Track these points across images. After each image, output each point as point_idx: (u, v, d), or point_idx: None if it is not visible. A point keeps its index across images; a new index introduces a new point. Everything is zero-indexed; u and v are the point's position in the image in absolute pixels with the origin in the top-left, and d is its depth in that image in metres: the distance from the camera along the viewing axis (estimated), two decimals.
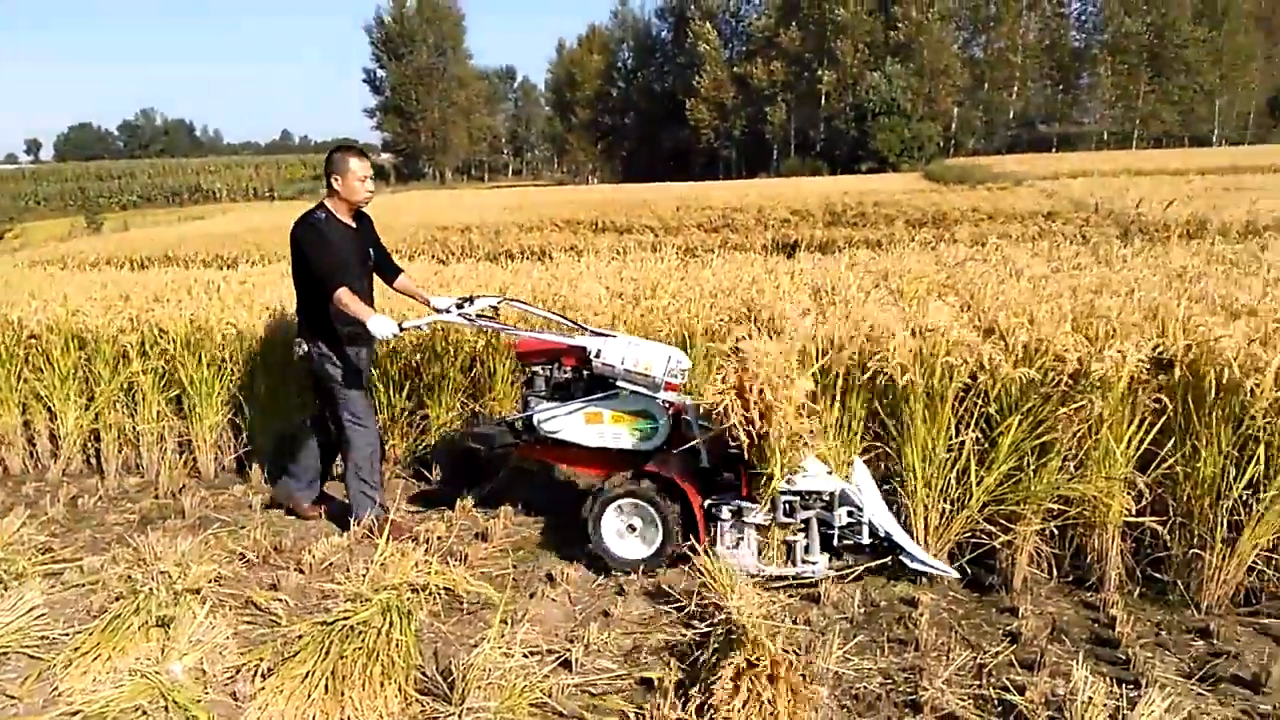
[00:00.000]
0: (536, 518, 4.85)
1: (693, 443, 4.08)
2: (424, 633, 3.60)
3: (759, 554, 3.97)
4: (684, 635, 3.48)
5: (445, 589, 3.88)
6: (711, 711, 2.90)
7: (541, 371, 4.41)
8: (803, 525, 3.96)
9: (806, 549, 3.97)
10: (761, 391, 3.64)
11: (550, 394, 4.39)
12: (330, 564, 4.33)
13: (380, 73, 78.17)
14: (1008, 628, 3.57)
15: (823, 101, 65.40)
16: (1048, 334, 4.01)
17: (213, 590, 3.94)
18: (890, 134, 54.73)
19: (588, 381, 4.34)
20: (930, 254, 8.22)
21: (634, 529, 4.15)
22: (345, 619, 3.34)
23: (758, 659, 3.02)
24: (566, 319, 4.76)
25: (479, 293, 4.87)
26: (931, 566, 3.86)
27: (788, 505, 3.93)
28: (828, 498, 3.91)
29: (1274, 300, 4.50)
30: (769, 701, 2.91)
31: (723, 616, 3.32)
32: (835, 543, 3.98)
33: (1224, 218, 11.99)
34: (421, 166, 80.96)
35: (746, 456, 3.79)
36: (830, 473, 3.95)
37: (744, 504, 3.96)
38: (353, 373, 4.56)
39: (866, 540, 3.94)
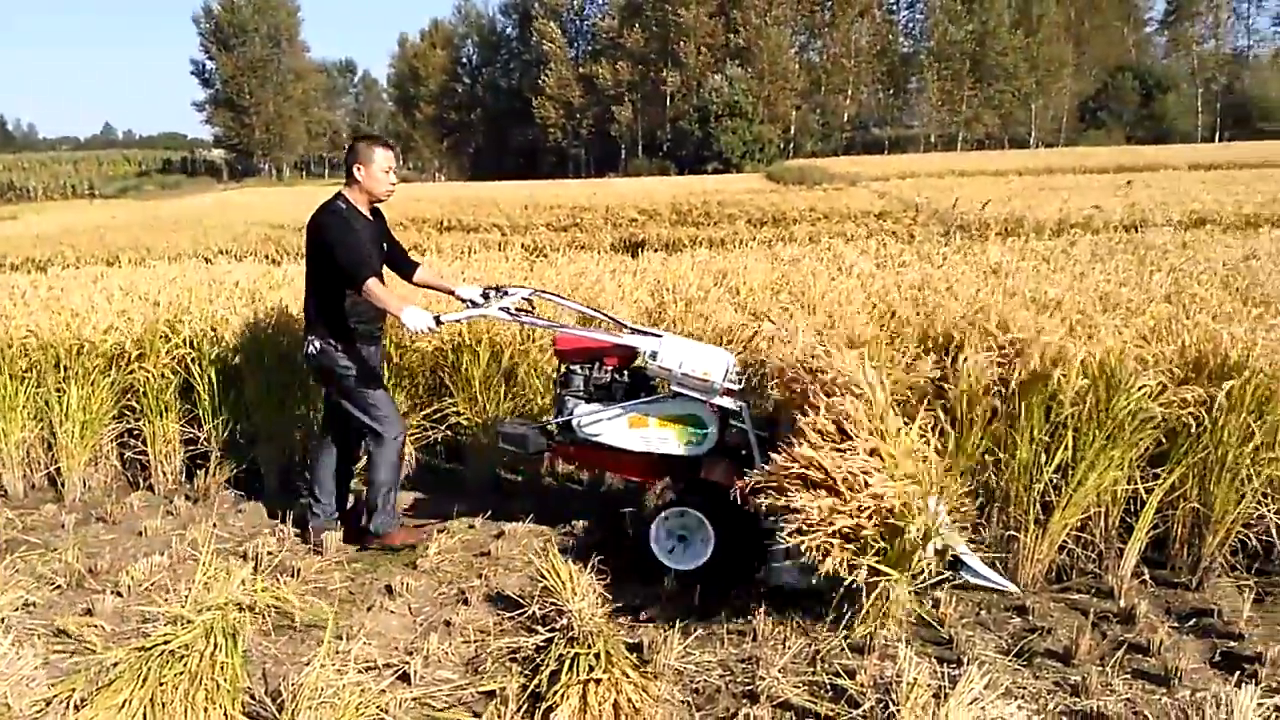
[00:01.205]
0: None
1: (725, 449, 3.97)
2: (252, 653, 3.43)
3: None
4: (527, 640, 3.44)
5: (276, 607, 3.70)
6: (555, 717, 2.87)
7: (580, 371, 4.21)
8: None
9: None
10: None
11: (589, 394, 4.19)
12: (151, 586, 4.07)
13: (210, 64, 74.52)
14: (840, 614, 3.67)
15: (668, 102, 66.31)
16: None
17: (19, 619, 3.64)
18: (733, 135, 56.02)
19: (629, 382, 4.20)
20: (768, 252, 8.44)
21: (684, 539, 4.00)
22: (165, 643, 3.14)
23: (599, 661, 3.01)
24: (606, 314, 4.56)
25: (504, 284, 4.64)
26: (994, 582, 3.61)
27: None
28: None
29: (1079, 294, 4.82)
30: (612, 704, 2.90)
31: (565, 621, 3.30)
32: None
33: (1038, 216, 12.81)
34: (257, 162, 77.66)
35: None
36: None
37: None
38: (370, 369, 4.37)
39: (929, 553, 3.71)
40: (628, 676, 3.02)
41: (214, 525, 4.71)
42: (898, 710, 2.74)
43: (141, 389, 5.22)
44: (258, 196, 34.34)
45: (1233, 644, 3.41)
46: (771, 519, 3.58)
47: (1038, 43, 65.28)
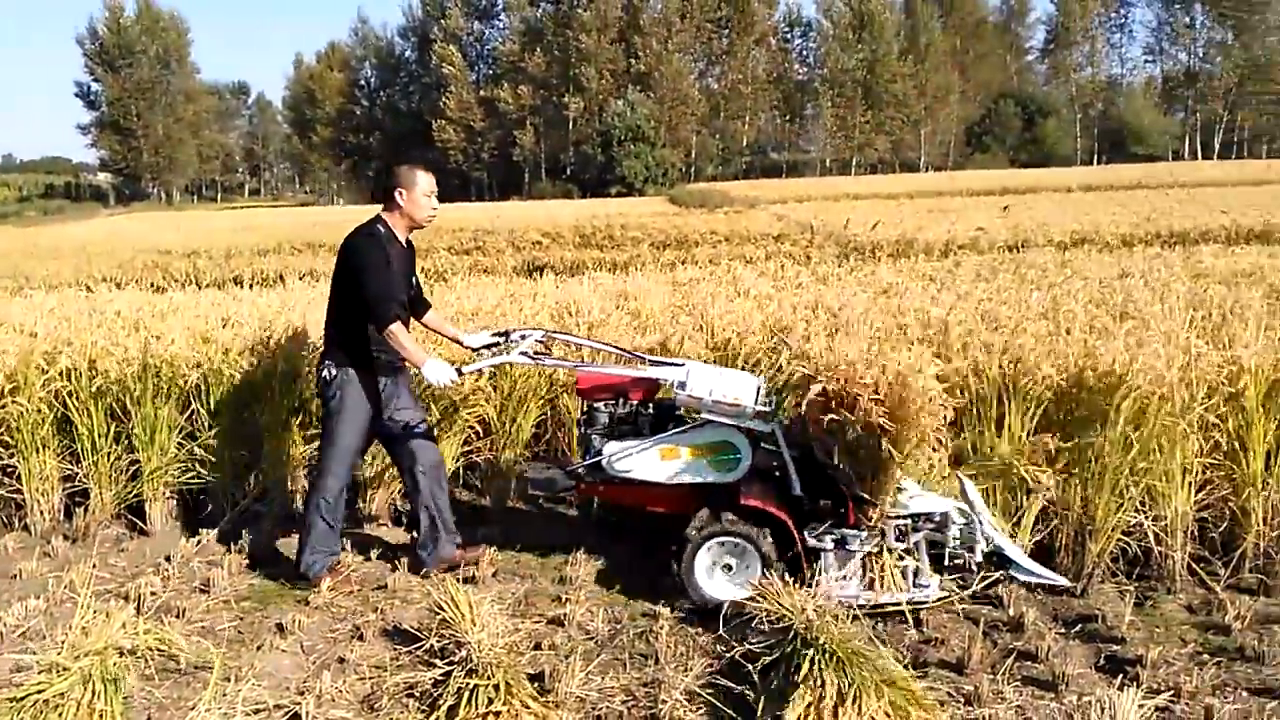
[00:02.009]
0: (266, 566, 4.54)
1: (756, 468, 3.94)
2: (135, 700, 3.27)
3: (867, 584, 3.78)
4: (425, 675, 3.36)
5: (160, 650, 3.54)
6: None
7: (605, 408, 4.14)
8: (910, 548, 3.80)
9: (917, 573, 3.79)
10: (890, 386, 3.43)
11: (615, 431, 4.11)
12: (25, 632, 3.85)
13: (95, 86, 71.82)
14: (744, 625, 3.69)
15: (571, 126, 66.48)
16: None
17: None
18: (635, 160, 56.44)
19: (654, 415, 4.13)
20: (668, 274, 8.51)
21: (729, 568, 3.87)
22: (39, 692, 2.98)
23: (499, 692, 2.96)
24: (621, 349, 4.47)
25: (513, 327, 4.55)
26: (1043, 577, 3.78)
27: (899, 530, 3.78)
28: (939, 518, 3.80)
29: (962, 312, 4.98)
30: None
31: (464, 653, 3.24)
32: (945, 563, 3.87)
33: (927, 237, 13.23)
34: (145, 186, 74.99)
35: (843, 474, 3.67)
36: (940, 493, 3.88)
37: (848, 532, 3.76)
38: (362, 411, 4.17)
39: (979, 558, 3.82)
40: (528, 707, 2.97)
41: (94, 566, 4.50)
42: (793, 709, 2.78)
43: (15, 424, 4.96)
44: (146, 222, 33.11)
45: (1115, 648, 3.54)
46: (818, 536, 3.73)
47: (925, 70, 67.70)
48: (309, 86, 77.12)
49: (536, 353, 4.20)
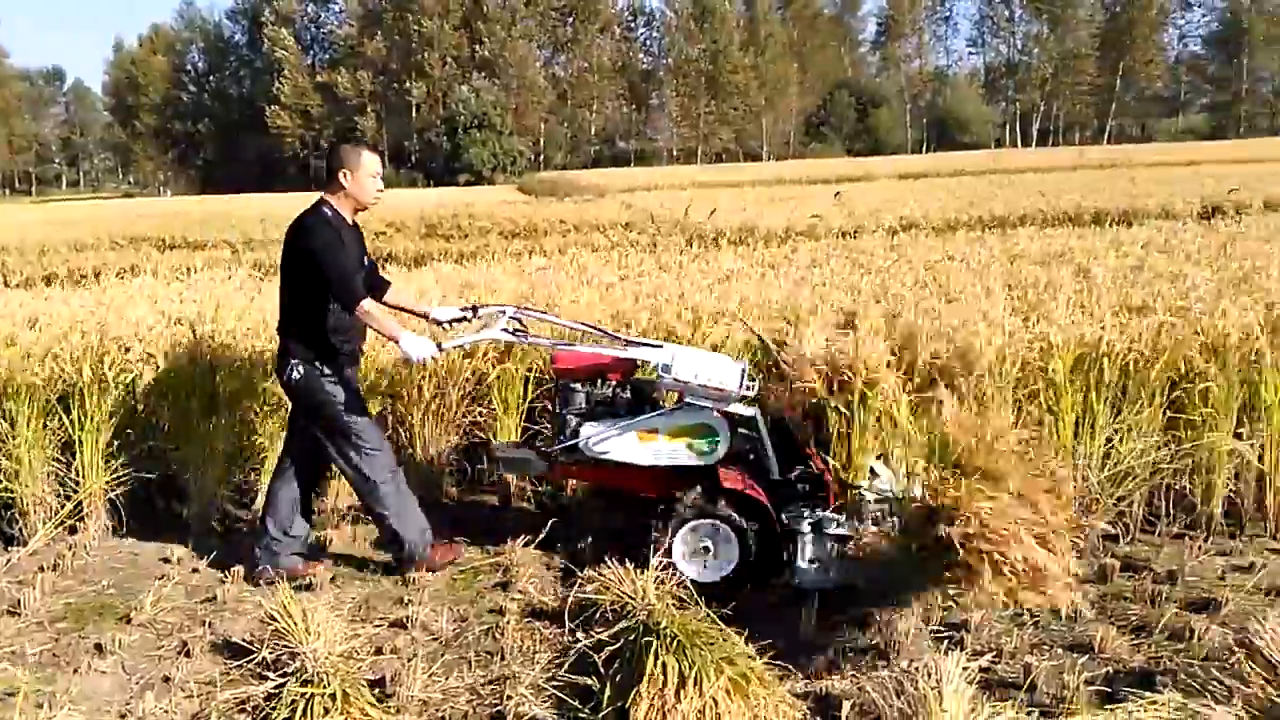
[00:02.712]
0: (88, 580, 4.25)
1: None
2: None
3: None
4: (257, 689, 3.21)
5: None
6: None
7: (581, 388, 4.07)
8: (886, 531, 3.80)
9: None
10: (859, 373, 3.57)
11: (591, 412, 4.04)
12: None
13: None
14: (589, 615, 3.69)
15: (414, 113, 65.05)
16: None
17: None
18: (483, 147, 55.72)
19: (631, 396, 4.09)
20: (517, 265, 8.43)
21: (708, 550, 3.88)
22: None
23: (336, 701, 2.86)
24: (598, 328, 4.36)
25: (479, 302, 4.42)
26: None
27: (878, 513, 3.80)
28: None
29: (797, 298, 5.13)
30: None
31: (298, 664, 3.12)
32: None
33: (769, 225, 13.56)
34: None
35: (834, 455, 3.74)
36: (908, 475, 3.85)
37: (825, 515, 3.79)
38: (355, 394, 4.04)
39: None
40: (367, 714, 2.89)
41: None
42: (633, 708, 2.79)
43: None
44: None
45: (943, 613, 3.71)
46: (796, 520, 3.77)
47: (765, 62, 69.48)
48: (131, 72, 72.70)
49: (515, 329, 4.12)
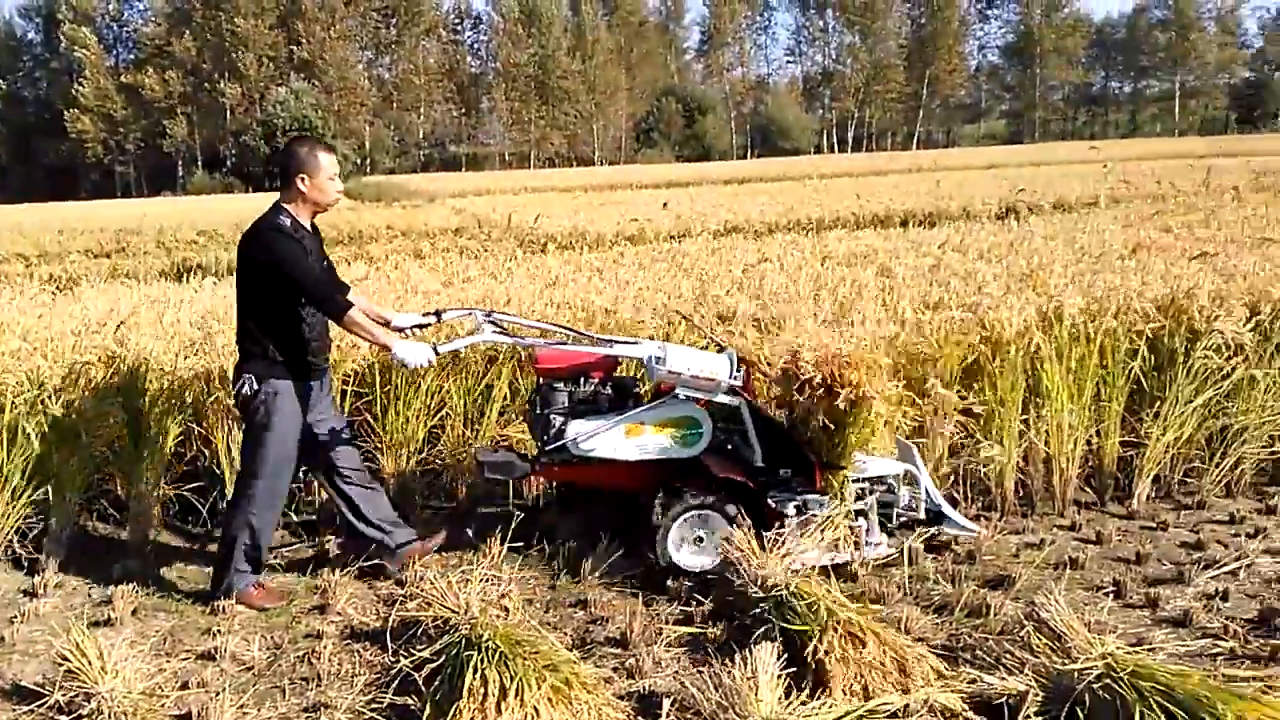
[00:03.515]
0: None
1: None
2: None
3: (828, 545, 3.90)
4: None
5: None
6: None
7: (563, 387, 4.05)
8: (865, 510, 4.05)
9: (868, 532, 4.03)
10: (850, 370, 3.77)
11: (574, 411, 4.02)
12: None
13: None
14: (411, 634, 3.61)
15: (229, 116, 62.15)
16: None
17: None
18: None
19: (613, 394, 4.11)
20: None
21: (701, 539, 3.97)
22: None
23: None
24: (569, 328, 4.39)
25: (443, 306, 4.37)
26: (968, 529, 4.28)
27: (859, 492, 4.03)
28: (892, 480, 4.10)
29: (620, 301, 5.19)
30: None
31: (93, 705, 2.91)
32: (892, 522, 4.15)
33: (599, 229, 13.68)
34: None
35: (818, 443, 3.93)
36: (889, 457, 4.16)
37: (810, 498, 3.94)
38: (294, 421, 3.89)
39: (923, 515, 4.18)
40: None
41: None
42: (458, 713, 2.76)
43: None
44: None
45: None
46: (783, 503, 3.93)
47: (593, 67, 69.99)
48: None
49: (501, 330, 4.09)
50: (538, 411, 4.10)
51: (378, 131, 66.61)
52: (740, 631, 3.33)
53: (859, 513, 4.07)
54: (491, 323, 4.08)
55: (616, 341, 4.18)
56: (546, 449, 4.02)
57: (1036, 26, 76.99)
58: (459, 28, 75.54)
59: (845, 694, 3.00)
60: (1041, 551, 4.27)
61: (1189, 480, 4.98)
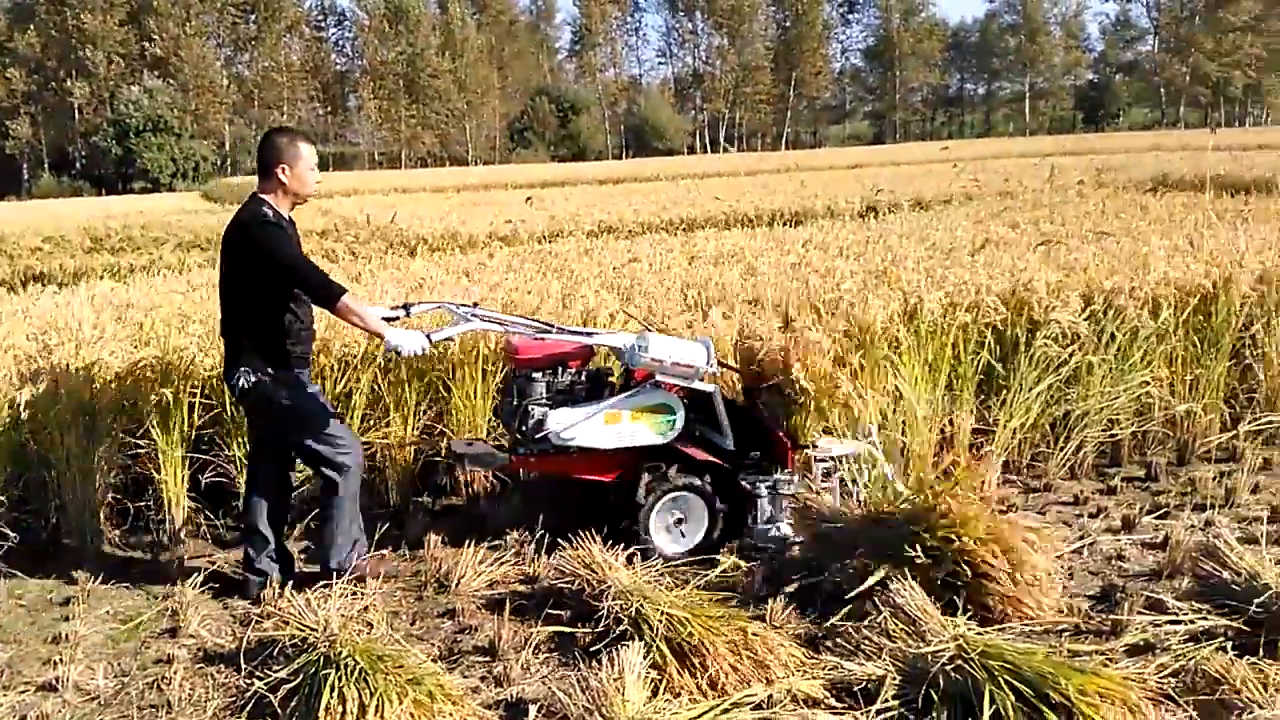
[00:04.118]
0: None
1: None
2: None
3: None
4: None
5: None
6: None
7: (541, 377, 4.07)
8: (831, 488, 4.17)
9: None
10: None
11: (552, 401, 4.05)
12: None
13: None
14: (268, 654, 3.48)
15: (77, 116, 58.95)
16: None
17: None
18: (159, 152, 51.42)
19: (589, 384, 4.17)
20: (186, 279, 7.83)
21: (681, 521, 4.14)
22: None
23: None
24: (535, 320, 4.33)
25: (412, 300, 4.42)
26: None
27: (824, 471, 4.18)
28: (856, 460, 4.21)
29: (490, 304, 5.14)
30: None
31: None
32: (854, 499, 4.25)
33: (471, 230, 13.51)
34: None
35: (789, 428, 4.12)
36: (854, 437, 4.31)
37: (780, 477, 4.13)
38: (315, 394, 3.94)
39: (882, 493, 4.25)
40: None
41: None
42: None
43: None
44: None
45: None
46: (755, 484, 4.12)
47: (464, 66, 69.10)
48: None
49: (486, 317, 4.12)
50: (514, 403, 4.11)
51: (239, 131, 64.18)
52: (607, 633, 3.32)
53: (828, 490, 4.23)
54: (477, 316, 4.11)
55: (597, 332, 4.31)
56: (527, 439, 4.04)
57: (895, 31, 79.79)
58: (322, 24, 73.53)
59: (708, 690, 3.03)
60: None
61: (1036, 464, 5.23)
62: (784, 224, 12.50)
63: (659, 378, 4.09)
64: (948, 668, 2.96)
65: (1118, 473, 5.24)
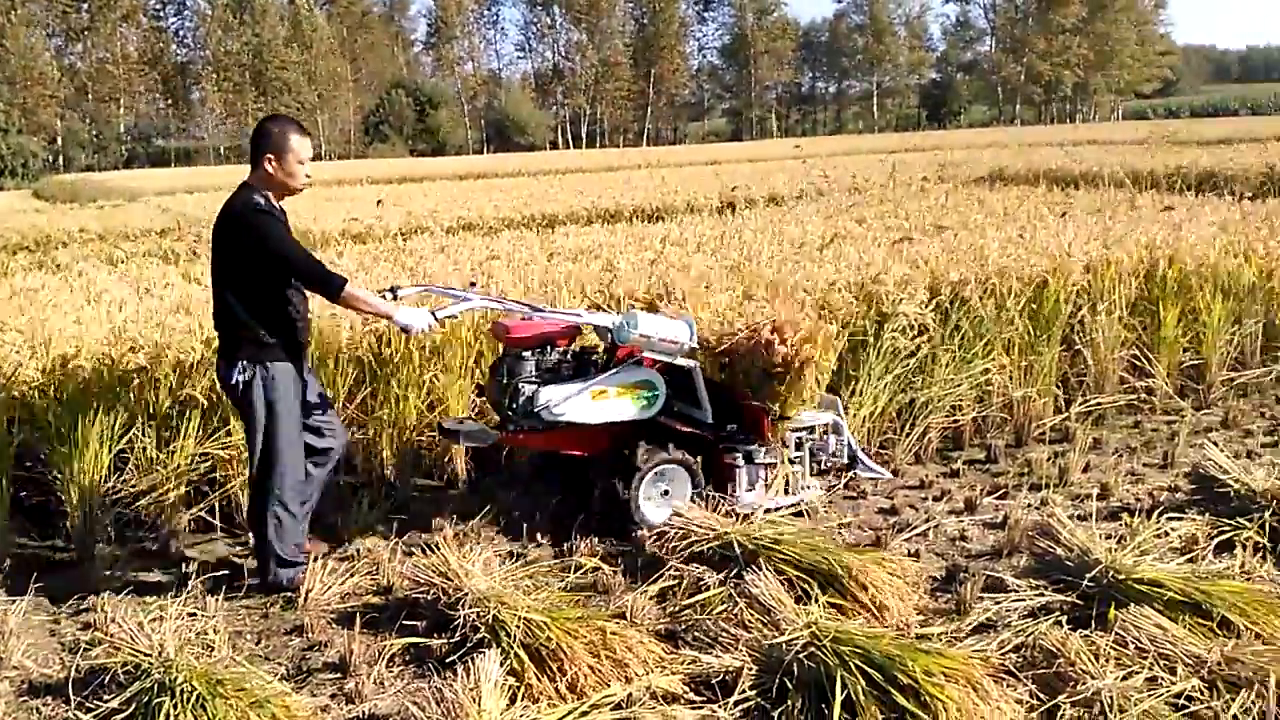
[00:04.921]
0: None
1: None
2: None
3: (775, 490, 4.50)
4: None
5: None
6: None
7: (530, 356, 4.21)
8: (800, 457, 4.61)
9: (803, 477, 4.61)
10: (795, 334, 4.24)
11: (542, 379, 4.20)
12: None
13: None
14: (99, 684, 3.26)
15: None
16: None
17: None
18: None
19: (575, 362, 4.33)
20: (9, 283, 7.27)
21: (666, 493, 4.34)
22: None
23: None
24: (532, 305, 4.46)
25: (398, 283, 4.40)
26: (878, 472, 5.00)
27: (796, 440, 4.58)
28: (823, 430, 4.67)
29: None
30: None
31: None
32: (821, 467, 4.79)
33: (323, 227, 13.04)
34: None
35: (769, 398, 4.36)
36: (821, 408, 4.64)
37: (754, 448, 4.43)
38: (294, 390, 3.85)
39: (845, 461, 4.83)
40: None
41: None
42: None
43: None
44: None
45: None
46: (734, 455, 4.42)
47: (314, 58, 66.83)
48: None
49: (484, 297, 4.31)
50: (504, 381, 4.23)
51: (71, 125, 60.36)
52: (464, 642, 3.24)
53: (797, 460, 4.63)
54: (475, 295, 4.23)
55: (586, 312, 4.49)
56: (519, 416, 4.17)
57: (749, 29, 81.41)
58: (161, 14, 69.81)
59: (568, 694, 3.00)
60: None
61: (884, 450, 5.41)
62: (644, 220, 12.55)
63: (642, 355, 4.31)
64: (801, 656, 3.01)
65: (960, 456, 5.47)
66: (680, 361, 4.35)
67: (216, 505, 4.66)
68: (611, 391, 4.25)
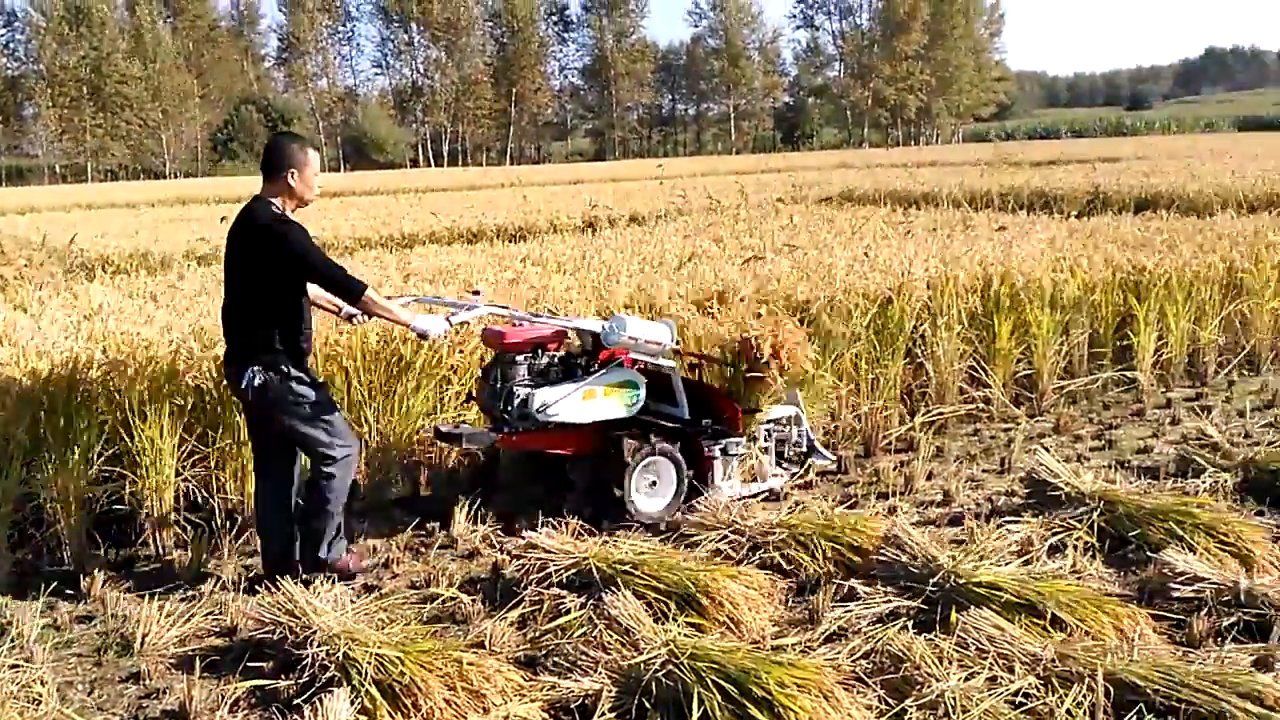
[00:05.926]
0: None
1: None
2: None
3: (748, 479, 4.90)
4: None
5: None
6: None
7: (522, 360, 4.42)
8: (767, 448, 5.01)
9: (771, 465, 5.00)
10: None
11: (534, 381, 4.40)
12: None
13: None
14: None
15: None
16: None
17: None
18: None
19: (562, 365, 4.52)
20: None
21: (654, 485, 4.62)
22: None
23: None
24: (507, 308, 4.74)
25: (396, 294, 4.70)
26: (829, 459, 5.32)
27: (766, 432, 4.98)
28: (787, 421, 5.07)
29: (168, 331, 4.73)
30: None
31: None
32: (784, 457, 5.13)
33: (165, 250, 12.43)
34: None
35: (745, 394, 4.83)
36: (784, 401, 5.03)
37: (729, 440, 4.75)
38: (320, 388, 4.04)
39: (806, 449, 5.16)
40: None
41: None
42: None
43: None
44: None
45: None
46: (711, 447, 4.72)
47: (157, 72, 63.95)
48: None
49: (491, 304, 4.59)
50: (497, 385, 4.43)
51: None
52: (312, 683, 3.12)
53: (765, 450, 5.01)
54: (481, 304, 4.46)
55: (576, 318, 4.82)
56: (513, 418, 4.36)
57: (609, 50, 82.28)
58: None
59: None
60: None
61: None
62: (506, 240, 12.47)
63: (623, 357, 4.56)
64: (660, 674, 3.03)
65: (813, 466, 5.62)
66: (661, 362, 4.68)
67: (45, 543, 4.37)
68: (599, 392, 4.49)
